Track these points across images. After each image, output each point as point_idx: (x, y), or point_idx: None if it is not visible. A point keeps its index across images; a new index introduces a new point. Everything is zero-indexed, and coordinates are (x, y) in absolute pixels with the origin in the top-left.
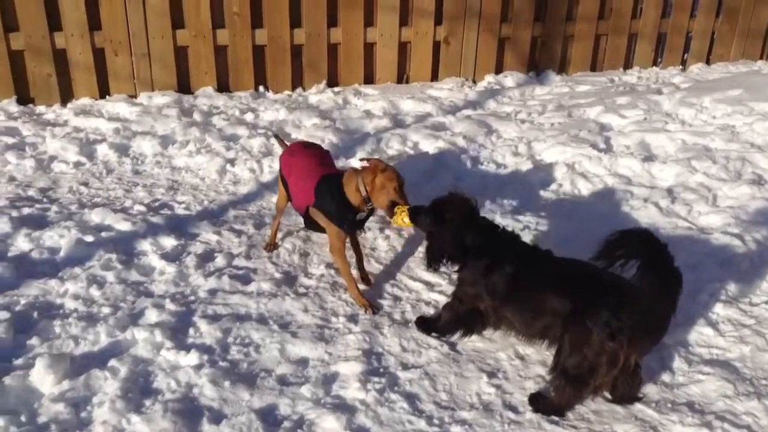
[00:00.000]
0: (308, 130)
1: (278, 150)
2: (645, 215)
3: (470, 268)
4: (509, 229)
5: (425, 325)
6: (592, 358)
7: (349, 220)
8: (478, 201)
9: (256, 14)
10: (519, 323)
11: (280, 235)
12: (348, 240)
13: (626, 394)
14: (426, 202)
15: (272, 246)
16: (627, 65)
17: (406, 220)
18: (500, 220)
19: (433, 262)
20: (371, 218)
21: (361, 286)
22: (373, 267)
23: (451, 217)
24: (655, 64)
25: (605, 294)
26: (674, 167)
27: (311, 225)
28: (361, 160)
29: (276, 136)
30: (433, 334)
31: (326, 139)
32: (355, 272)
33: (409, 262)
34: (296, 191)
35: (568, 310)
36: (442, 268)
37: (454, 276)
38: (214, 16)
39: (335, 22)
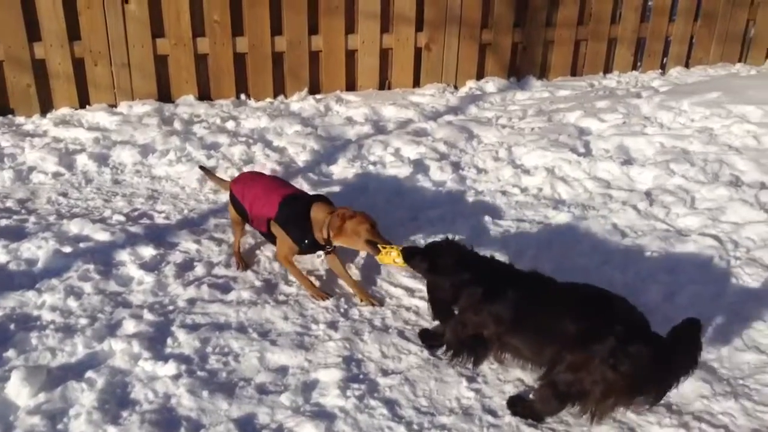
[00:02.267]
0: (290, 137)
1: (260, 157)
2: (623, 218)
3: (466, 296)
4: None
5: (428, 339)
6: (588, 383)
7: (306, 242)
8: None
9: (237, 22)
10: (527, 350)
11: (253, 241)
12: (328, 264)
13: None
14: (406, 211)
15: (243, 264)
16: (607, 70)
17: (398, 260)
18: (480, 224)
19: (438, 314)
20: None
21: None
22: (352, 273)
23: (444, 264)
24: (634, 68)
25: (615, 321)
26: (652, 170)
27: (273, 240)
28: (335, 211)
29: (202, 168)
30: (440, 351)
31: (308, 146)
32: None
33: (389, 267)
34: (256, 208)
35: (575, 330)
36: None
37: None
38: (194, 24)
39: (316, 30)
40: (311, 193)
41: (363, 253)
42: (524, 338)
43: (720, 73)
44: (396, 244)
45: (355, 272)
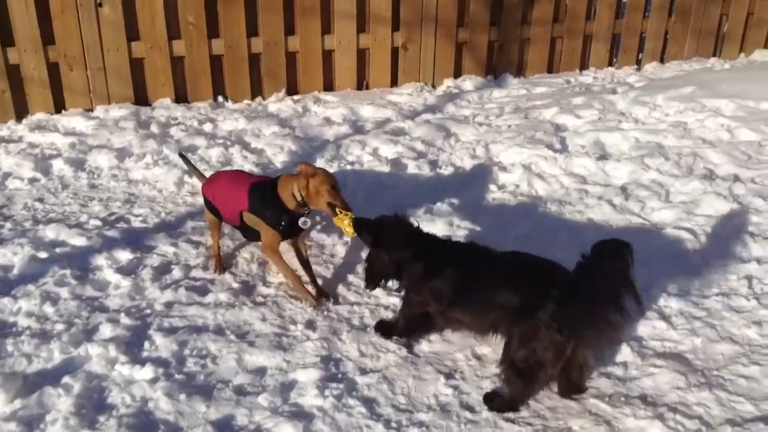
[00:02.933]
0: (267, 138)
1: (238, 159)
2: (599, 212)
3: (408, 275)
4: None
5: (384, 329)
6: (540, 351)
7: (284, 223)
8: (435, 207)
9: (212, 24)
10: (469, 321)
11: (232, 244)
12: (294, 253)
13: (572, 386)
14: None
15: (221, 268)
16: (583, 66)
17: (349, 229)
18: (457, 221)
19: (371, 282)
20: (331, 225)
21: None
22: (331, 272)
23: (389, 239)
24: (610, 64)
25: (552, 286)
26: (628, 165)
27: (249, 234)
28: (297, 165)
29: (182, 155)
30: (394, 338)
31: (285, 147)
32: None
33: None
34: (227, 203)
35: (516, 303)
36: (381, 286)
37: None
38: (170, 27)
39: (293, 31)
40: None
41: (342, 250)
42: (465, 311)
43: (695, 68)
44: (352, 212)
45: (334, 272)
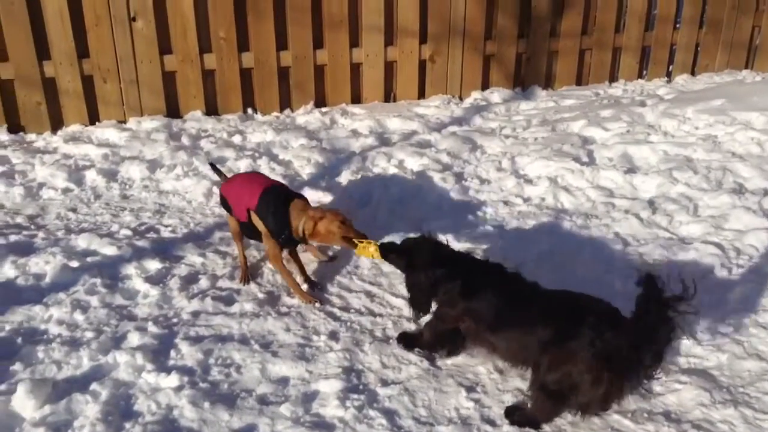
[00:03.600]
0: (295, 150)
1: (266, 171)
2: (626, 226)
3: (444, 292)
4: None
5: (407, 340)
6: (576, 376)
7: (284, 236)
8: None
9: (243, 38)
10: (503, 350)
11: (258, 255)
12: (287, 252)
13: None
14: (408, 222)
15: (246, 278)
16: (612, 78)
17: (375, 255)
18: (480, 234)
19: (419, 308)
20: None
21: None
22: (355, 284)
23: (422, 259)
24: (640, 76)
25: (588, 317)
26: (656, 178)
27: (251, 233)
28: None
29: (212, 165)
30: (416, 350)
31: (312, 159)
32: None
33: (391, 278)
34: (239, 199)
35: (550, 335)
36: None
37: None
38: (201, 40)
39: (321, 44)
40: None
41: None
42: (502, 338)
43: (726, 80)
44: (372, 239)
45: (358, 283)
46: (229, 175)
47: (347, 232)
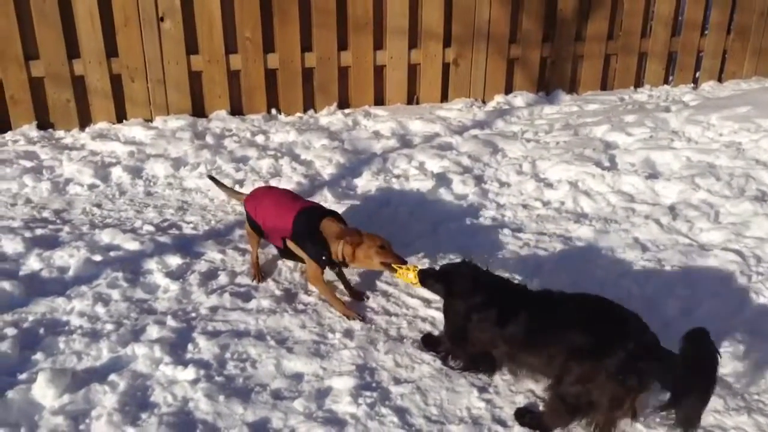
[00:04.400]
0: (317, 150)
1: (287, 170)
2: (646, 232)
3: (479, 318)
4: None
5: (431, 344)
6: (596, 395)
7: (324, 258)
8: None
9: (268, 39)
10: (539, 365)
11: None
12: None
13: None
14: (426, 224)
15: (259, 277)
16: (638, 84)
17: (415, 281)
18: (501, 237)
19: (454, 339)
20: None
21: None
22: (370, 283)
23: (461, 288)
24: (666, 82)
25: (624, 335)
26: (678, 184)
27: (288, 256)
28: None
29: (211, 178)
30: (432, 353)
31: (334, 159)
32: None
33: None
34: (267, 223)
35: (585, 342)
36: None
37: None
38: (227, 41)
39: (345, 46)
40: (328, 206)
41: None
42: (536, 354)
43: (753, 87)
44: (411, 264)
45: (373, 282)
46: (250, 176)
47: (386, 258)
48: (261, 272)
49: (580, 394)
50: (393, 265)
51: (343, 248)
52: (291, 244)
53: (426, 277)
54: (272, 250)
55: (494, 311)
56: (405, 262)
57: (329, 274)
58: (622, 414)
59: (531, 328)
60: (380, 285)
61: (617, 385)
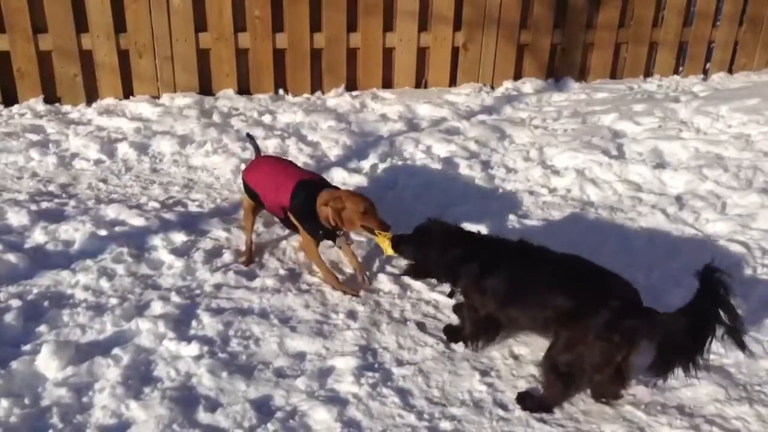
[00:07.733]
0: (323, 132)
1: (293, 151)
2: (651, 221)
3: (465, 276)
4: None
5: (452, 334)
6: (587, 357)
7: (321, 232)
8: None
9: (277, 18)
10: (524, 320)
11: (282, 232)
12: (338, 244)
13: (609, 392)
14: (432, 207)
15: (249, 260)
16: (647, 73)
17: (389, 250)
18: (506, 222)
19: (416, 277)
20: None
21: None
22: (375, 265)
23: (432, 240)
24: (676, 72)
25: (607, 293)
26: (685, 175)
27: (290, 227)
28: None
29: (249, 136)
30: (460, 343)
31: (340, 141)
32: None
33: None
34: (271, 196)
35: (569, 306)
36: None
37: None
38: (236, 19)
39: (355, 27)
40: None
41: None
42: (522, 309)
43: (764, 79)
44: (389, 229)
45: (378, 265)
46: (233, 163)
47: (368, 222)
48: (253, 257)
49: (572, 360)
50: (374, 231)
51: (330, 213)
52: (291, 216)
53: (399, 243)
54: (277, 231)
55: (476, 264)
56: (388, 228)
57: (334, 255)
58: (614, 373)
59: (513, 282)
60: (387, 267)
61: (605, 342)
